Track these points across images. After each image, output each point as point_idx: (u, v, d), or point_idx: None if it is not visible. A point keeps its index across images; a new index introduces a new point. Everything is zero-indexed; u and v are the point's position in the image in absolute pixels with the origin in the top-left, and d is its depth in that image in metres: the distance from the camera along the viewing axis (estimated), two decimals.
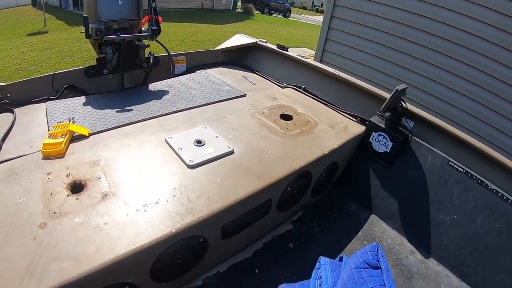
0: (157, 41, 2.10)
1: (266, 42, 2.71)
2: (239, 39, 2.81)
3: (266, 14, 21.29)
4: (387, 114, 1.86)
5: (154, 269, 1.10)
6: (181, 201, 1.18)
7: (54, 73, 1.92)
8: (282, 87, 2.46)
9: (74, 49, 7.56)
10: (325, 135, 1.80)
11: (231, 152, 1.50)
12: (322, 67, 2.35)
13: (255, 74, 2.65)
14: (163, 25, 2.08)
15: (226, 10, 18.86)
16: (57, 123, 1.53)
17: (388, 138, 1.87)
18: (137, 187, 1.22)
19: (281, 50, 2.60)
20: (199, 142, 1.51)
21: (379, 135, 1.90)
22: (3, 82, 1.77)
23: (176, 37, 9.83)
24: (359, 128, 1.96)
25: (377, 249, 1.15)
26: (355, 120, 2.07)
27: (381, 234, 1.82)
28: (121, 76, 2.07)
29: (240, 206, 1.27)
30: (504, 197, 1.53)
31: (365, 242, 1.74)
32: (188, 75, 2.37)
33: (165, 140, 1.51)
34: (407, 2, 3.82)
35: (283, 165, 1.48)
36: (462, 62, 3.57)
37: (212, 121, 1.75)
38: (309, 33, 15.17)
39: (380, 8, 4.08)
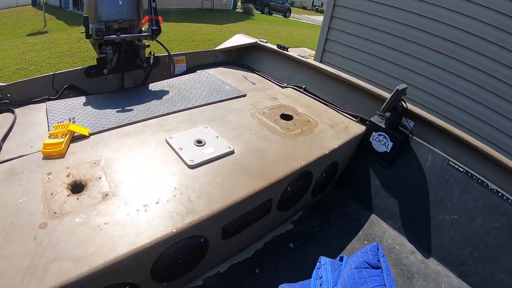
0: (157, 41, 2.10)
1: (266, 42, 2.71)
2: (239, 39, 2.81)
3: (266, 14, 21.29)
4: (388, 114, 1.86)
5: (155, 269, 1.10)
6: (182, 201, 1.18)
7: (54, 73, 1.92)
8: (282, 87, 2.46)
9: (74, 49, 7.56)
10: (326, 135, 1.80)
11: (232, 152, 1.50)
12: (322, 67, 2.35)
13: (255, 74, 2.64)
14: (163, 25, 2.08)
15: (226, 10, 18.86)
16: (58, 123, 1.53)
17: (388, 138, 1.87)
18: (138, 187, 1.22)
19: (281, 50, 2.60)
20: (199, 142, 1.51)
21: (379, 135, 1.90)
22: (3, 82, 1.77)
23: (176, 37, 9.83)
24: (360, 128, 1.96)
25: (378, 249, 1.15)
26: (355, 120, 2.07)
27: (381, 234, 1.82)
28: (121, 76, 2.07)
29: (241, 206, 1.27)
30: (505, 197, 1.53)
31: (366, 242, 1.74)
32: (188, 75, 2.37)
33: (166, 140, 1.51)
34: (408, 2, 3.82)
35: (284, 165, 1.48)
36: (463, 62, 3.57)
37: (213, 121, 1.75)
38: (309, 33, 15.17)
39: (380, 8, 4.08)
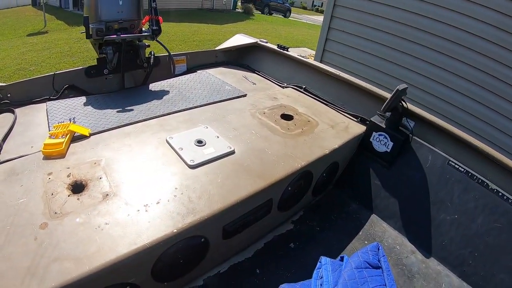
0: (157, 41, 2.10)
1: (266, 42, 2.71)
2: (239, 39, 2.81)
3: (266, 14, 21.29)
4: (388, 114, 1.86)
5: (155, 269, 1.10)
6: (182, 201, 1.18)
7: (54, 73, 1.92)
8: (283, 87, 2.46)
9: (74, 49, 7.56)
10: (326, 135, 1.80)
11: (232, 152, 1.50)
12: (323, 67, 2.35)
13: (255, 74, 2.64)
14: (163, 25, 2.08)
15: (226, 10, 18.87)
16: (58, 123, 1.53)
17: (388, 138, 1.87)
18: (138, 187, 1.22)
19: (281, 50, 2.60)
20: (200, 142, 1.51)
21: (379, 135, 1.90)
22: (3, 82, 1.77)
23: (176, 37, 9.83)
24: (360, 128, 1.96)
25: (378, 249, 1.15)
26: (356, 120, 2.07)
27: (381, 234, 1.82)
28: (122, 76, 2.07)
29: (241, 206, 1.27)
30: (505, 197, 1.53)
31: (366, 242, 1.74)
32: (188, 75, 2.37)
33: (166, 140, 1.51)
34: (408, 2, 3.82)
35: (284, 165, 1.48)
36: (463, 62, 3.57)
37: (213, 121, 1.75)
38: (309, 33, 15.17)
39: (381, 8, 4.08)
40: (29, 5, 14.44)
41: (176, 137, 1.53)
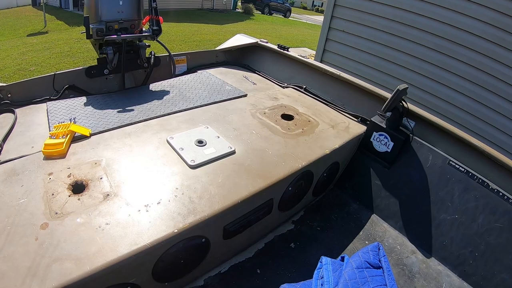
0: (158, 41, 2.10)
1: (266, 42, 2.71)
2: (239, 39, 2.81)
3: (266, 14, 21.29)
4: (388, 114, 1.86)
5: (156, 270, 1.10)
6: (183, 201, 1.18)
7: (55, 73, 1.92)
8: (283, 87, 2.46)
9: (75, 50, 7.56)
10: (326, 135, 1.80)
11: (233, 152, 1.50)
12: (323, 67, 2.35)
13: (255, 74, 2.65)
14: (164, 25, 2.08)
15: (226, 10, 18.86)
16: (58, 123, 1.53)
17: (389, 138, 1.87)
18: (139, 187, 1.22)
19: (281, 50, 2.60)
20: (200, 142, 1.51)
21: (380, 135, 1.90)
22: (3, 83, 1.77)
23: (177, 37, 9.83)
24: (360, 128, 1.96)
25: (379, 249, 1.15)
26: (356, 120, 2.07)
27: (382, 234, 1.82)
28: (122, 76, 2.07)
29: (242, 206, 1.27)
30: (505, 197, 1.53)
31: (367, 242, 1.74)
32: (189, 75, 2.37)
33: (167, 140, 1.51)
34: (408, 1, 3.82)
35: (285, 165, 1.48)
36: (463, 62, 3.57)
37: (213, 121, 1.75)
38: (310, 33, 15.17)
39: (381, 8, 4.08)
40: (29, 5, 14.44)
41: (177, 137, 1.53)
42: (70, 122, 1.54)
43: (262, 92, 2.30)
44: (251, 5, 19.53)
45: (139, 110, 1.76)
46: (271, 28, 15.00)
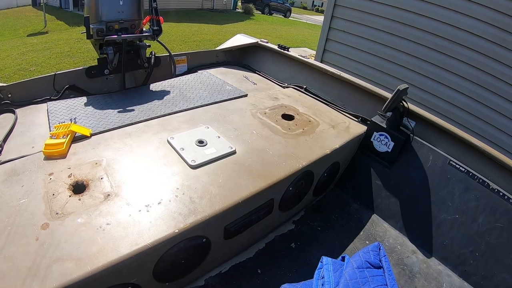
0: (158, 41, 2.10)
1: (267, 42, 2.71)
2: (239, 39, 2.81)
3: (267, 14, 21.29)
4: (389, 114, 1.86)
5: (157, 270, 1.10)
6: (184, 201, 1.18)
7: (55, 74, 1.92)
8: (283, 87, 2.46)
9: (75, 50, 7.56)
10: (327, 135, 1.80)
11: (233, 152, 1.50)
12: (323, 67, 2.35)
13: (256, 74, 2.65)
14: (164, 25, 2.08)
15: (226, 10, 18.86)
16: (59, 123, 1.53)
17: (389, 138, 1.87)
18: (140, 187, 1.22)
19: (282, 50, 2.60)
20: (201, 142, 1.51)
21: (380, 135, 1.90)
22: (4, 83, 1.77)
23: (177, 37, 9.83)
24: (361, 128, 1.96)
25: (379, 249, 1.15)
26: (357, 120, 2.07)
27: (383, 234, 1.82)
28: (123, 76, 2.07)
29: (243, 206, 1.27)
30: (506, 197, 1.53)
31: (367, 242, 1.74)
32: (189, 75, 2.37)
33: (167, 140, 1.51)
34: (408, 1, 3.81)
35: (285, 165, 1.48)
36: (463, 62, 3.57)
37: (214, 121, 1.75)
38: (310, 33, 15.17)
39: (381, 8, 4.08)
40: (29, 5, 14.44)
41: (177, 137, 1.53)
42: (71, 122, 1.54)
43: (262, 92, 2.30)
44: (251, 5, 19.53)
45: (140, 110, 1.76)
46: (271, 28, 15.00)
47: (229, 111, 1.89)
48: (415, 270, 1.63)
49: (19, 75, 5.86)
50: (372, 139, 1.95)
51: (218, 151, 1.47)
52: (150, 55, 2.17)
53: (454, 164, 1.70)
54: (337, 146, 1.71)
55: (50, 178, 1.20)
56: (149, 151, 1.43)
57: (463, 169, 1.67)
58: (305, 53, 10.00)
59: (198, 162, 1.38)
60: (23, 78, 4.62)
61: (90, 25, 1.75)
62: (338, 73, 2.23)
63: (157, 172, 1.31)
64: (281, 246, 1.67)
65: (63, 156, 1.33)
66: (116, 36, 1.82)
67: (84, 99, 1.85)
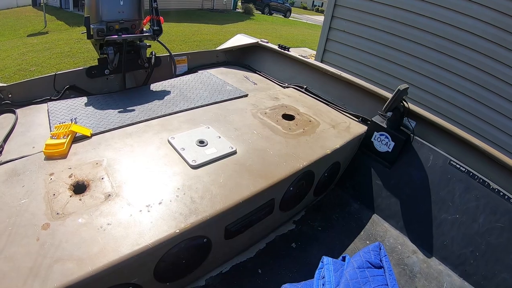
0: (158, 41, 2.10)
1: (267, 42, 2.71)
2: (240, 39, 2.81)
3: (267, 14, 21.29)
4: (389, 114, 1.86)
5: (158, 270, 1.10)
6: (185, 201, 1.18)
7: (55, 74, 1.91)
8: (284, 87, 2.46)
9: (75, 50, 7.56)
10: (327, 135, 1.80)
11: (234, 152, 1.50)
12: (324, 67, 2.35)
13: (256, 74, 2.65)
14: (164, 25, 2.08)
15: (226, 10, 18.85)
16: (59, 123, 1.53)
17: (390, 138, 1.87)
18: (140, 187, 1.22)
19: (282, 50, 2.60)
20: (201, 142, 1.51)
21: (381, 134, 1.90)
22: (4, 83, 1.77)
23: (177, 37, 9.83)
24: (361, 128, 1.96)
25: (380, 249, 1.15)
26: (357, 120, 2.07)
27: (383, 234, 1.82)
28: (123, 77, 2.07)
29: (244, 206, 1.27)
30: (506, 196, 1.53)
31: (368, 242, 1.75)
32: (189, 75, 2.37)
33: (168, 140, 1.51)
34: (408, 1, 3.81)
35: (286, 165, 1.48)
36: (464, 62, 3.57)
37: (215, 121, 1.75)
38: (310, 33, 15.17)
39: (381, 8, 4.08)
40: (30, 5, 14.44)
41: (178, 137, 1.53)
42: (71, 122, 1.54)
43: (263, 92, 2.30)
44: (251, 5, 19.53)
45: (140, 110, 1.76)
46: (271, 28, 15.00)
47: (229, 111, 1.89)
48: (416, 270, 1.63)
49: (19, 75, 5.86)
50: (372, 139, 1.95)
51: (218, 151, 1.47)
52: (151, 55, 2.17)
53: (455, 164, 1.70)
54: (337, 146, 1.71)
55: (51, 178, 1.20)
56: (149, 151, 1.43)
57: (464, 169, 1.67)
58: (305, 53, 10.00)
59: (198, 162, 1.38)
60: (23, 78, 4.61)
61: (91, 25, 1.75)
62: (339, 73, 2.23)
63: (158, 172, 1.31)
64: (282, 246, 1.67)
65: (63, 156, 1.33)
66: (116, 36, 1.82)
67: (84, 99, 1.85)
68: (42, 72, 5.98)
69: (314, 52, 6.62)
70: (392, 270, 1.07)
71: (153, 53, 2.20)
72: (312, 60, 2.49)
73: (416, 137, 1.85)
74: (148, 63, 2.15)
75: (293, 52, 2.59)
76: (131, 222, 1.06)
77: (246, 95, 2.16)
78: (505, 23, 3.17)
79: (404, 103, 1.81)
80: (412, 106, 1.86)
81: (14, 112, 1.66)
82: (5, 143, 1.41)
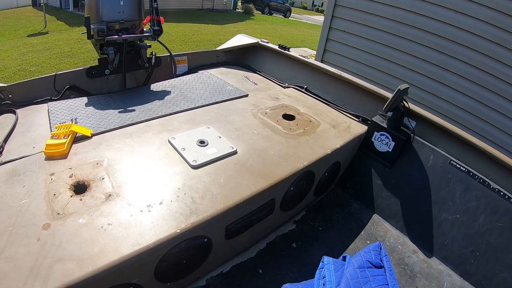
0: (159, 41, 2.10)
1: (267, 42, 2.71)
2: (240, 39, 2.81)
3: (267, 14, 21.29)
4: (389, 113, 1.86)
5: (159, 270, 1.10)
6: (185, 201, 1.18)
7: (56, 74, 1.91)
8: (284, 87, 2.46)
9: (75, 50, 7.56)
10: (328, 135, 1.80)
11: (234, 152, 1.50)
12: (324, 66, 2.35)
13: (256, 74, 2.65)
14: (164, 26, 2.08)
15: (226, 10, 18.85)
16: (60, 123, 1.53)
17: (390, 138, 1.87)
18: (141, 187, 1.22)
19: (282, 50, 2.60)
20: (202, 142, 1.51)
21: (381, 134, 1.90)
22: (4, 83, 1.77)
23: (177, 38, 9.83)
24: (361, 128, 1.96)
25: (380, 249, 1.15)
26: (357, 120, 2.07)
27: (383, 234, 1.82)
28: (123, 77, 2.07)
29: (244, 206, 1.27)
30: (506, 196, 1.54)
31: (368, 242, 1.75)
32: (190, 75, 2.37)
33: (168, 140, 1.51)
34: (408, 1, 3.81)
35: (286, 165, 1.48)
36: (464, 62, 3.57)
37: (215, 121, 1.75)
38: (310, 33, 15.17)
39: (381, 8, 4.08)
40: (30, 5, 14.44)
41: (178, 137, 1.53)
42: (72, 122, 1.54)
43: (263, 92, 2.30)
44: (251, 5, 19.52)
45: (141, 111, 1.76)
46: (271, 28, 15.00)
47: (230, 111, 1.89)
48: (416, 269, 1.63)
49: (19, 75, 5.86)
50: (372, 139, 1.95)
51: (219, 151, 1.47)
52: (151, 55, 2.17)
53: (455, 164, 1.70)
54: (338, 146, 1.71)
55: (51, 179, 1.20)
56: (150, 151, 1.43)
57: (464, 169, 1.67)
58: (306, 53, 10.00)
59: (199, 162, 1.38)
60: (23, 78, 4.62)
61: (91, 26, 1.75)
62: (339, 73, 2.23)
63: (158, 172, 1.31)
64: (282, 246, 1.67)
65: (64, 156, 1.33)
66: (116, 36, 1.82)
67: (84, 99, 1.85)
68: (42, 72, 5.98)
69: (314, 52, 6.62)
70: (392, 270, 1.07)
71: (153, 53, 2.20)
72: (312, 60, 2.49)
73: (417, 137, 1.85)
74: (149, 63, 2.15)
75: (293, 52, 2.59)
76: (132, 222, 1.06)
77: (247, 95, 2.16)
78: (505, 23, 3.17)
79: (405, 103, 1.81)
80: (413, 106, 1.86)
81: (14, 112, 1.66)
82: (5, 143, 1.41)
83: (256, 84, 2.43)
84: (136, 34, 1.94)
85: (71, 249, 0.94)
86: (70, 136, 1.41)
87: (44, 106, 1.76)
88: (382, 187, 1.95)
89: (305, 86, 2.39)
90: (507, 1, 3.11)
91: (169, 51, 2.33)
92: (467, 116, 3.70)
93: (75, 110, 1.71)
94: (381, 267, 1.09)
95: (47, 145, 1.33)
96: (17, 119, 1.60)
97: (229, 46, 2.76)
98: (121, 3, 1.82)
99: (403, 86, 1.69)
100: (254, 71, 2.70)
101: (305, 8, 40.31)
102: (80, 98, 1.87)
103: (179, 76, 2.34)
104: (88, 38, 1.79)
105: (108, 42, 1.86)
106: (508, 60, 3.23)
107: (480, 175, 1.62)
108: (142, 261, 1.00)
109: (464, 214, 1.65)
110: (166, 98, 1.96)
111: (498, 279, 1.51)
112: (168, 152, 1.44)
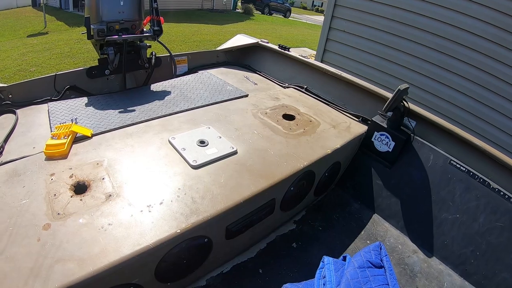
0: (159, 41, 2.10)
1: (267, 42, 2.72)
2: (240, 39, 2.81)
3: (266, 14, 21.28)
4: (389, 113, 1.86)
5: (159, 270, 1.10)
6: (186, 201, 1.18)
7: (56, 74, 1.92)
8: (284, 87, 2.46)
9: (75, 50, 7.56)
10: (328, 135, 1.80)
11: (235, 152, 1.50)
12: (324, 67, 2.35)
13: (256, 74, 2.65)
14: (164, 26, 2.08)
15: (226, 10, 18.85)
16: (60, 124, 1.53)
17: (390, 138, 1.87)
18: (141, 187, 1.22)
19: (282, 50, 2.60)
20: (202, 143, 1.51)
21: (381, 134, 1.90)
22: (4, 83, 1.77)
23: (177, 38, 9.84)
24: (361, 128, 1.96)
25: (380, 248, 1.15)
26: (357, 119, 2.07)
27: (384, 234, 1.82)
28: (123, 77, 2.07)
29: (244, 206, 1.27)
30: (506, 196, 1.54)
31: (368, 242, 1.75)
32: (190, 75, 2.37)
33: (168, 140, 1.51)
34: (408, 1, 3.81)
35: (287, 165, 1.48)
36: (464, 62, 3.57)
37: (215, 121, 1.75)
38: (310, 33, 15.17)
39: (381, 8, 4.08)
40: (29, 6, 14.43)
41: (179, 138, 1.53)
42: (72, 122, 1.54)
43: (263, 92, 2.30)
44: (251, 5, 19.52)
45: (141, 111, 1.76)
46: (271, 28, 15.00)
47: (230, 111, 1.89)
48: (416, 269, 1.63)
49: (19, 75, 5.86)
50: (373, 139, 1.95)
51: (219, 151, 1.47)
52: (151, 56, 2.17)
53: (455, 163, 1.70)
54: (338, 146, 1.71)
55: (52, 179, 1.20)
56: (150, 151, 1.43)
57: (464, 169, 1.67)
58: (305, 53, 10.00)
59: (199, 162, 1.38)
60: (23, 78, 4.62)
61: (91, 26, 1.75)
62: (339, 73, 2.23)
63: (159, 172, 1.31)
64: (283, 246, 1.67)
65: (64, 156, 1.33)
66: (116, 36, 1.82)
67: (85, 99, 1.85)
68: (42, 72, 5.98)
69: (314, 52, 6.62)
70: (392, 270, 1.07)
71: (153, 53, 2.20)
72: (312, 60, 2.49)
73: (417, 137, 1.85)
74: (149, 63, 2.15)
75: (293, 52, 2.59)
76: (132, 222, 1.06)
77: (247, 95, 2.16)
78: (505, 23, 3.17)
79: (405, 103, 1.81)
80: (413, 106, 1.86)
81: (14, 113, 1.66)
82: (5, 144, 1.41)
83: (256, 84, 2.43)
84: (136, 34, 1.94)
85: (71, 249, 0.94)
86: (70, 136, 1.41)
87: (44, 106, 1.76)
88: (382, 187, 1.95)
89: (305, 86, 2.39)
90: (507, 1, 3.11)
91: (169, 51, 2.33)
92: (467, 116, 3.70)
93: (75, 110, 1.71)
94: (381, 267, 1.09)
95: (47, 145, 1.33)
96: (17, 119, 1.60)
97: (229, 46, 2.76)
98: (121, 3, 1.82)
99: (403, 86, 1.69)
100: (254, 71, 2.70)
101: (305, 8, 40.32)
102: (80, 98, 1.87)
103: (179, 76, 2.34)
104: (88, 38, 1.79)
105: (108, 42, 1.86)
106: (508, 60, 3.23)
107: (480, 175, 1.62)
108: (143, 261, 1.00)
109: (464, 214, 1.65)
110: (166, 98, 1.96)
111: (498, 279, 1.51)
112: (168, 152, 1.44)
